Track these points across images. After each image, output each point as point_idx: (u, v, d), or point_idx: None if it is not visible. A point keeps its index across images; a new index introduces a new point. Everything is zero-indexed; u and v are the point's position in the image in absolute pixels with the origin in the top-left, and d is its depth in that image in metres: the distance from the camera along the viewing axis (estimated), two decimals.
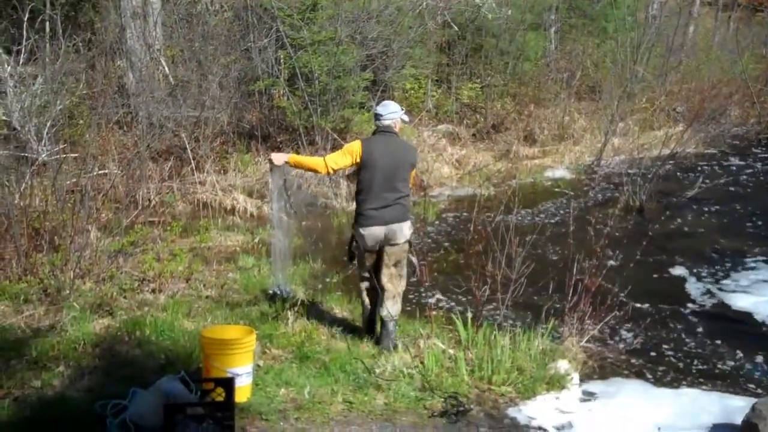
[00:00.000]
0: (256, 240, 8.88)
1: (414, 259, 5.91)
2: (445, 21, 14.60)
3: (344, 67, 11.62)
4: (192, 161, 10.45)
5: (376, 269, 5.84)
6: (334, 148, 11.48)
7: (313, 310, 6.52)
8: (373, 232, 5.67)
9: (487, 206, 9.30)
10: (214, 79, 11.22)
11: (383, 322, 5.87)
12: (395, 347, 5.81)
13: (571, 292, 6.36)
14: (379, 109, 5.79)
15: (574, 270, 6.40)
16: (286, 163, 5.84)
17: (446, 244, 9.09)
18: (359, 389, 5.17)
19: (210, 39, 12.05)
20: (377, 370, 5.45)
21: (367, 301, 5.97)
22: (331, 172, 5.79)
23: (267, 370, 5.29)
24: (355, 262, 5.96)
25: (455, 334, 6.05)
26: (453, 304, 7.08)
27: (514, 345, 5.85)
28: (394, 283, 5.83)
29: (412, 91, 13.74)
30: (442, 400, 5.13)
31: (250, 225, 9.51)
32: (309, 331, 5.96)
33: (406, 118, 5.97)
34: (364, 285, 5.93)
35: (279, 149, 11.48)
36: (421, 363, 5.57)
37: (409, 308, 6.28)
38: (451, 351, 5.81)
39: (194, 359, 5.25)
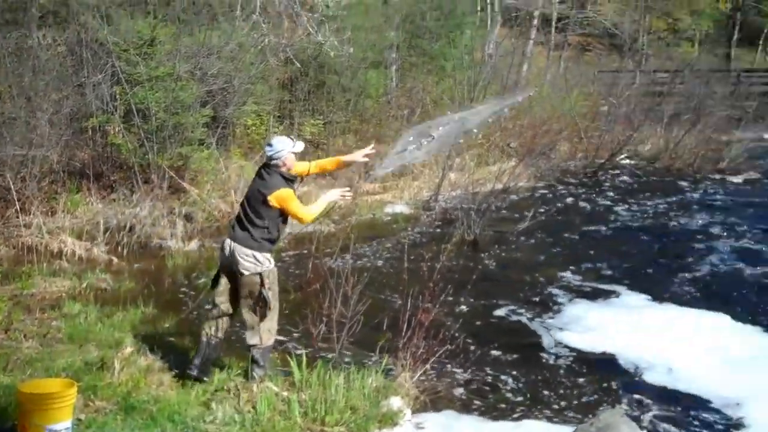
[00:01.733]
0: (84, 285, 8.49)
1: (268, 295, 5.86)
2: (287, 58, 14.66)
3: (183, 104, 11.40)
4: (17, 202, 9.93)
5: (235, 301, 5.93)
6: (171, 186, 11.27)
7: (143, 358, 6.31)
8: (224, 246, 5.84)
9: (326, 243, 9.38)
10: (44, 115, 10.74)
11: (249, 353, 5.95)
12: (261, 378, 5.85)
13: (404, 328, 6.48)
14: (267, 149, 5.92)
15: (408, 306, 6.53)
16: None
17: (285, 282, 9.03)
18: None
19: (41, 74, 11.54)
20: (208, 418, 5.35)
21: (206, 333, 5.93)
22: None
23: (89, 423, 5.06)
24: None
25: (291, 375, 6.03)
26: (290, 344, 7.03)
27: (348, 384, 5.89)
28: (250, 314, 5.87)
29: (254, 128, 13.68)
30: None
31: (78, 269, 9.07)
32: (136, 379, 5.77)
33: (298, 148, 5.99)
34: (210, 314, 5.97)
35: (112, 188, 11.14)
36: (254, 408, 5.51)
37: (244, 351, 6.19)
38: (285, 393, 5.78)
39: (9, 416, 4.96)
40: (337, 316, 6.66)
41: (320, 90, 15.11)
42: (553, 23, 27.91)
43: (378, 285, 8.69)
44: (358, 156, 6.38)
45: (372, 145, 6.64)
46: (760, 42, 45.05)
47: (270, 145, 5.94)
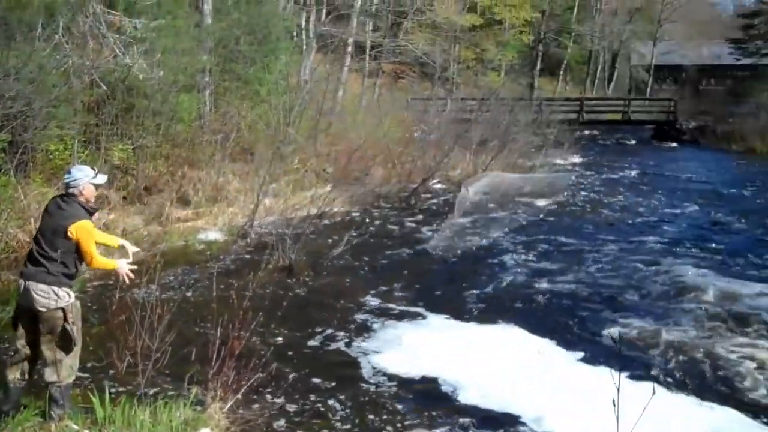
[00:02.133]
0: None
1: (72, 330, 5.59)
2: (93, 80, 14.08)
3: None
4: None
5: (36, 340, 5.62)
6: None
7: None
8: (21, 285, 5.54)
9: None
10: None
11: (47, 391, 5.63)
12: (61, 417, 5.57)
13: (214, 357, 6.38)
14: (66, 177, 5.73)
15: (218, 335, 6.44)
16: None
17: (88, 315, 8.64)
18: None
19: None
20: None
21: (11, 379, 5.67)
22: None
23: None
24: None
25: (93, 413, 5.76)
26: (93, 380, 6.71)
27: (155, 418, 5.71)
28: (51, 351, 5.57)
29: (57, 153, 13.01)
30: None
31: None
32: None
33: (100, 180, 5.81)
34: (12, 359, 5.71)
35: None
36: None
37: (41, 389, 5.85)
38: None
39: None
40: (144, 349, 6.47)
41: (129, 114, 14.59)
42: (367, 51, 28.57)
43: (188, 315, 8.53)
44: (129, 253, 6.25)
45: (137, 250, 6.47)
46: (561, 72, 48.44)
47: (69, 172, 5.74)
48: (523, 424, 6.62)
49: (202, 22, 16.87)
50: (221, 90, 17.72)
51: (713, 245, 13.89)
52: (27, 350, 5.65)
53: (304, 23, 22.75)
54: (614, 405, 3.48)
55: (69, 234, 5.53)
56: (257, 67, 18.15)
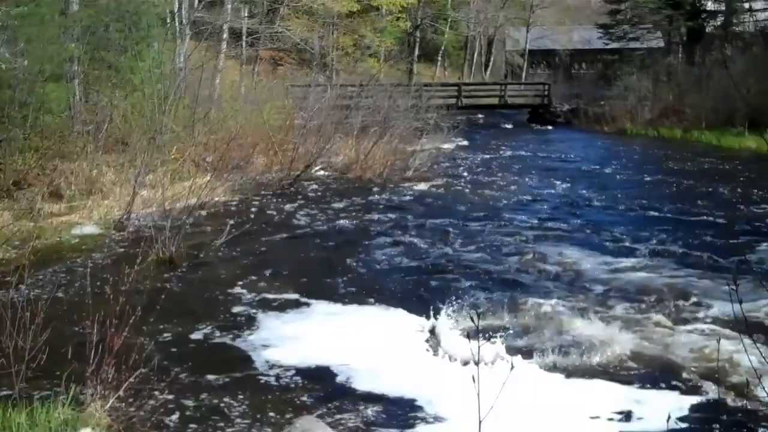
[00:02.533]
0: None
1: None
2: None
3: None
4: None
5: None
6: None
7: None
8: None
9: (4, 271, 8.68)
10: None
11: None
12: None
13: (92, 355, 6.18)
14: None
15: (95, 332, 6.24)
16: None
17: None
18: None
19: None
20: None
21: None
22: None
23: None
24: None
25: None
26: None
27: (32, 420, 5.51)
28: None
29: None
30: None
31: None
32: None
33: None
34: None
35: None
36: None
37: None
38: None
39: None
40: (16, 350, 6.20)
41: None
42: (244, 37, 28.16)
43: (63, 313, 8.24)
44: None
45: None
46: (439, 58, 49.21)
47: None
48: (419, 408, 6.67)
49: (67, 9, 16.20)
50: (92, 79, 17.09)
51: (577, 221, 14.56)
52: None
53: (176, 9, 22.13)
54: (474, 381, 3.54)
55: None
56: (129, 56, 17.59)
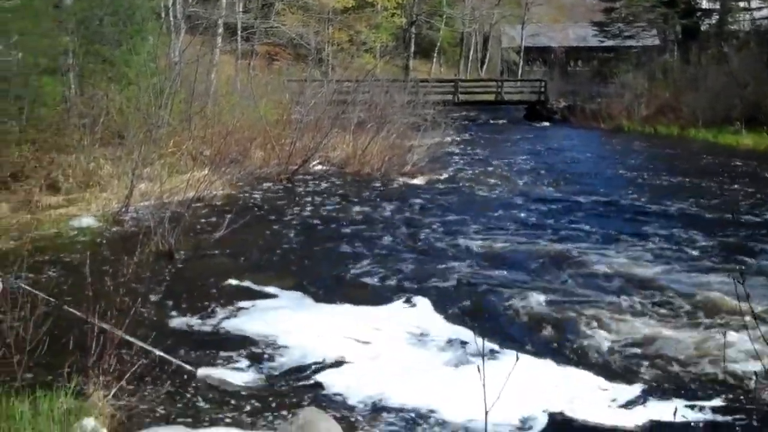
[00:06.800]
0: None
1: None
2: None
3: None
4: None
5: None
6: None
7: None
8: None
9: (4, 262, 8.57)
10: None
11: None
12: None
13: (93, 345, 6.13)
14: None
15: (95, 321, 6.20)
16: None
17: None
18: None
19: None
20: None
21: None
22: None
23: None
24: None
25: None
26: None
27: (35, 409, 5.46)
28: None
29: None
30: None
31: None
32: None
33: None
34: None
35: None
36: None
37: None
38: None
39: None
40: (17, 340, 6.15)
41: None
42: (239, 32, 28.05)
43: (64, 303, 8.14)
44: None
45: None
46: (435, 54, 49.20)
47: None
48: (424, 400, 6.58)
49: (61, 2, 16.09)
50: (87, 72, 16.96)
51: (575, 216, 14.53)
52: None
53: (171, 3, 22.00)
54: (479, 372, 3.49)
55: None
56: (124, 49, 17.47)
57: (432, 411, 6.33)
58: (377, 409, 6.39)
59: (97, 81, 16.71)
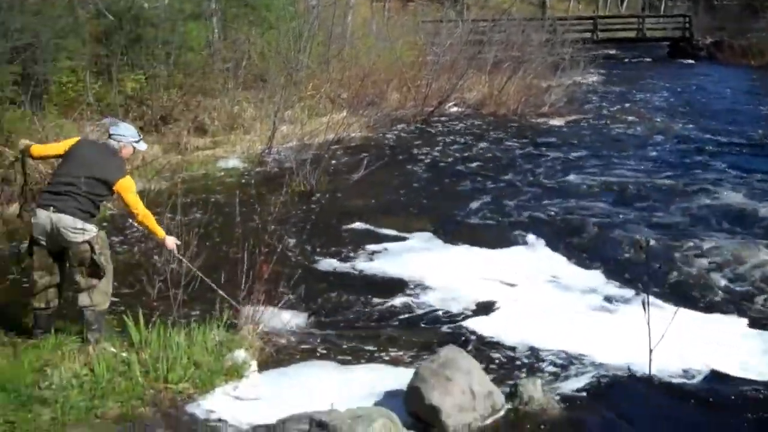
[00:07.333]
0: None
1: (101, 260, 5.66)
2: (98, 10, 13.87)
3: None
4: None
5: (61, 269, 5.73)
6: None
7: None
8: (41, 218, 5.50)
9: (157, 200, 9.03)
10: None
11: (83, 315, 5.75)
12: (97, 340, 5.68)
13: (243, 280, 6.40)
14: (112, 128, 5.93)
15: (245, 258, 6.45)
16: None
17: (114, 244, 8.64)
18: (22, 407, 4.81)
19: None
20: (44, 384, 5.09)
21: (35, 305, 5.78)
22: (35, 155, 5.97)
23: None
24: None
25: (128, 336, 5.81)
26: (126, 305, 6.71)
27: (189, 340, 5.78)
28: (82, 279, 5.67)
29: (70, 84, 12.87)
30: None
31: None
32: None
33: (141, 147, 6.08)
34: (35, 287, 5.75)
35: None
36: (91, 371, 5.28)
37: (77, 315, 5.89)
38: (124, 354, 5.58)
39: None
40: (173, 275, 6.51)
41: (138, 44, 14.37)
42: None
43: (214, 241, 8.55)
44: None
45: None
46: None
47: (117, 125, 6.00)
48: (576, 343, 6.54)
49: None
50: (230, 17, 17.41)
51: (729, 161, 13.76)
52: (44, 280, 5.72)
53: None
54: (644, 308, 3.44)
55: (113, 187, 5.67)
56: None
57: (582, 354, 6.25)
58: (523, 350, 6.39)
59: (239, 25, 17.13)
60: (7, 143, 10.73)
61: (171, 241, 6.13)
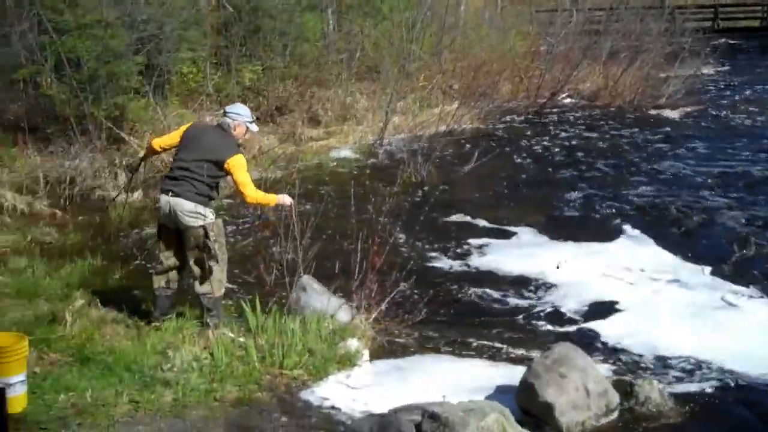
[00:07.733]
0: (28, 239, 8.31)
1: (214, 247, 5.85)
2: (219, 2, 14.32)
3: (114, 52, 11.05)
4: None
5: (182, 252, 5.93)
6: (110, 137, 11.00)
7: (94, 310, 6.20)
8: (162, 202, 5.74)
9: (273, 189, 9.25)
10: None
11: (200, 302, 5.99)
12: (216, 325, 5.88)
13: (356, 270, 6.48)
14: (228, 107, 6.13)
15: (358, 248, 6.52)
16: None
17: (232, 232, 8.93)
18: (146, 387, 5.03)
19: None
20: (166, 366, 5.31)
21: (157, 287, 6.01)
22: (156, 147, 6.27)
23: (44, 376, 5.01)
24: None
25: (246, 322, 5.99)
26: (242, 292, 6.94)
27: (304, 328, 5.90)
28: (199, 263, 5.87)
29: (191, 75, 13.34)
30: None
31: (21, 223, 8.89)
32: (90, 332, 5.69)
33: (253, 128, 6.18)
34: (157, 269, 6.01)
35: (49, 141, 10.85)
36: (210, 354, 5.48)
37: (196, 300, 6.12)
38: (241, 339, 5.76)
39: None
40: (289, 262, 6.65)
41: (256, 35, 14.75)
42: None
43: (327, 230, 8.66)
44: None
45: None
46: None
47: (234, 105, 6.19)
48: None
49: None
50: (344, 8, 17.64)
51: None
52: (170, 261, 5.97)
53: None
54: None
55: (225, 166, 5.80)
56: None
57: (706, 357, 6.01)
58: (641, 350, 6.23)
59: (353, 16, 17.32)
60: (132, 132, 11.24)
61: (285, 198, 6.14)
